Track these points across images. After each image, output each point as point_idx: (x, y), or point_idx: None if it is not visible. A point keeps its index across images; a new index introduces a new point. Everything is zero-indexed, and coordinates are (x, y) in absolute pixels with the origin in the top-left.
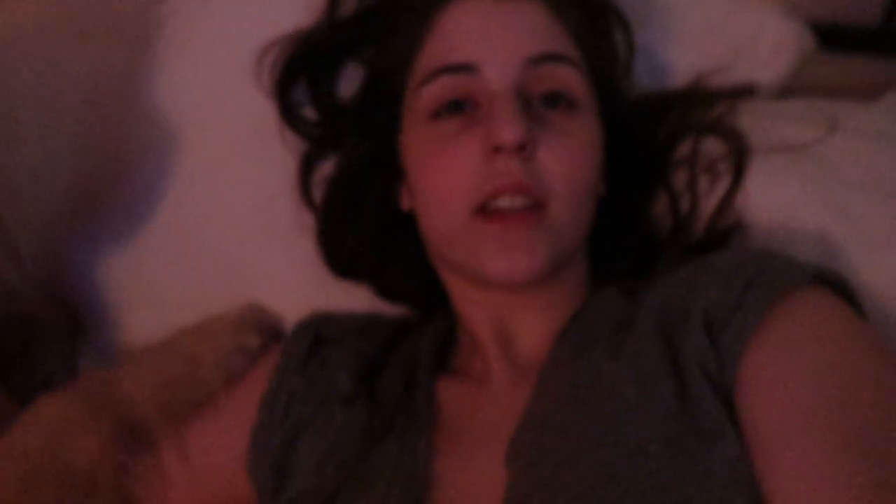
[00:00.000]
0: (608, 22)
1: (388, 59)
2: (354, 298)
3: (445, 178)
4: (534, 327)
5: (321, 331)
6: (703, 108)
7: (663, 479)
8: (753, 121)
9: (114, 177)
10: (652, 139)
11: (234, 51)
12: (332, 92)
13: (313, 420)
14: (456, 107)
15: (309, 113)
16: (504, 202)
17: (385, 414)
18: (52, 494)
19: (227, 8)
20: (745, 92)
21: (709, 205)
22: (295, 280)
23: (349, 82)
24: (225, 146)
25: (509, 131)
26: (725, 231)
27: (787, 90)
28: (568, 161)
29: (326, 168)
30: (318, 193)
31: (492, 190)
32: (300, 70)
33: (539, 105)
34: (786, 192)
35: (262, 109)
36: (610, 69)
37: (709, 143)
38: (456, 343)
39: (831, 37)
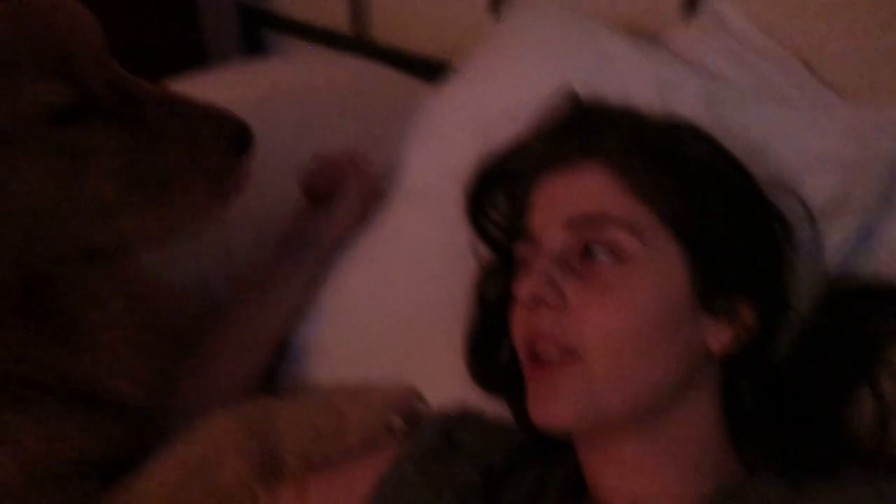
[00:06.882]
0: (707, 175)
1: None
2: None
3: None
4: (657, 488)
5: (453, 433)
6: None
7: None
8: None
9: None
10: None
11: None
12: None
13: None
14: None
15: None
16: (541, 348)
17: None
18: (198, 501)
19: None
20: None
21: None
22: (453, 379)
23: None
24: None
25: (523, 287)
26: None
27: None
28: (608, 314)
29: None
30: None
31: (526, 336)
32: (489, 183)
33: (583, 259)
34: None
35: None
36: (707, 219)
37: None
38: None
39: None
